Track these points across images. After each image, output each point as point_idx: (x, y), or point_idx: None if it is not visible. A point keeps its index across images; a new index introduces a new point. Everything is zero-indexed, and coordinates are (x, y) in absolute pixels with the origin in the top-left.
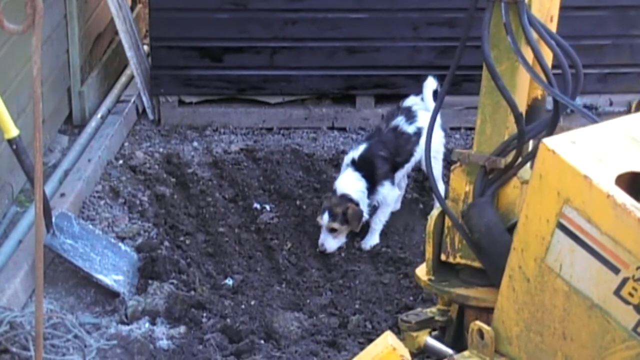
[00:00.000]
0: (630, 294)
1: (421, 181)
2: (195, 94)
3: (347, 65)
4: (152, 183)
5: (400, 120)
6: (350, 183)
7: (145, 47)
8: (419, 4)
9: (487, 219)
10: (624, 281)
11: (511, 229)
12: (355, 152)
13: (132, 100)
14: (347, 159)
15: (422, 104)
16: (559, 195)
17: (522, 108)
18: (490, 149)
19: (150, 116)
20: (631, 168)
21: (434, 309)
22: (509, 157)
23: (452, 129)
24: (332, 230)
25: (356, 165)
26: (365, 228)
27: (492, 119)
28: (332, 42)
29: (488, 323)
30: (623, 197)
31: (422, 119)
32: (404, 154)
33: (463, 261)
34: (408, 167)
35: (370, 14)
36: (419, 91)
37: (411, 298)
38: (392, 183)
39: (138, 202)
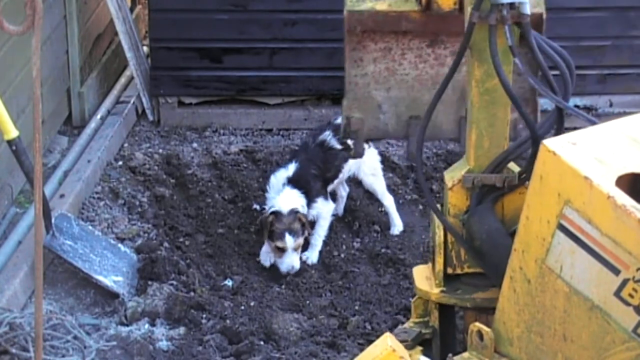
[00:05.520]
0: (631, 295)
1: None
2: (194, 95)
3: None
4: (151, 184)
5: (327, 135)
6: (293, 200)
7: (145, 48)
8: None
9: (487, 226)
10: (624, 282)
11: (514, 233)
12: (287, 172)
13: (132, 101)
14: (280, 179)
15: None
16: (559, 196)
17: (507, 117)
18: (489, 162)
19: (150, 117)
20: (632, 169)
21: (411, 323)
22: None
23: None
24: (296, 248)
25: (293, 183)
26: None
27: (488, 132)
28: (332, 43)
29: (487, 324)
30: (623, 199)
31: None
32: (332, 170)
33: (471, 270)
34: (337, 182)
35: None
36: None
37: (410, 299)
38: (326, 198)
39: (137, 203)
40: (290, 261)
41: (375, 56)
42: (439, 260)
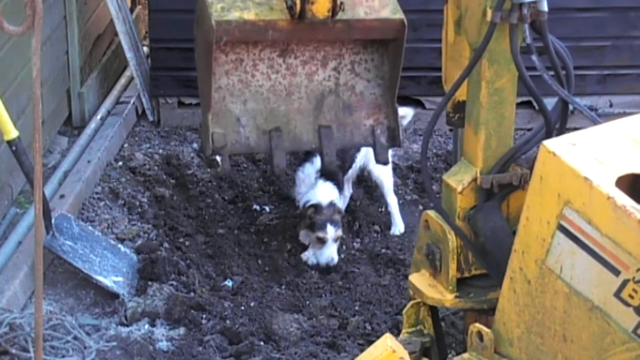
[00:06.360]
0: (631, 296)
1: (421, 182)
2: (194, 95)
3: None
4: (151, 184)
5: None
6: (329, 192)
7: (145, 49)
8: (419, 5)
9: (492, 223)
10: (624, 283)
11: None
12: (315, 165)
13: (132, 102)
14: (309, 173)
15: None
16: (559, 197)
17: (513, 116)
18: (496, 161)
19: (150, 117)
20: (632, 170)
21: (405, 334)
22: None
23: (451, 131)
24: (336, 240)
25: (325, 176)
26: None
27: (496, 132)
28: None
29: (487, 325)
30: (623, 199)
31: None
32: (348, 160)
33: (478, 272)
34: (351, 172)
35: None
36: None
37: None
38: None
39: (138, 203)
40: (330, 252)
41: (227, 69)
42: (452, 266)
